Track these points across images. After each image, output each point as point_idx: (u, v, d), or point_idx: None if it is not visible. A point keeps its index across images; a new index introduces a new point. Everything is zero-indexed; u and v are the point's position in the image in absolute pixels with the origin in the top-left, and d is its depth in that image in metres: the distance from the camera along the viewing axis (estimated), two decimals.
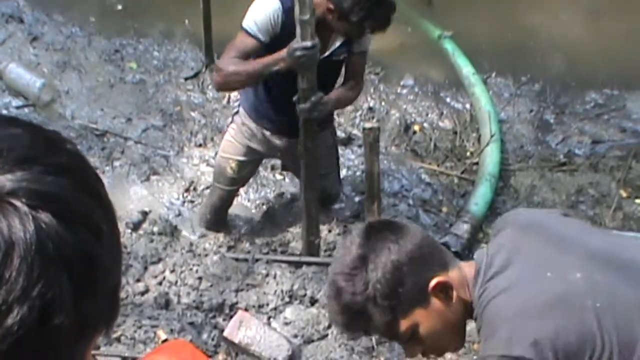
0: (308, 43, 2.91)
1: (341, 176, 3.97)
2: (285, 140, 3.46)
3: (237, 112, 3.56)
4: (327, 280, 1.88)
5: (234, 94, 4.68)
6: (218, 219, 3.86)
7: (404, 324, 1.76)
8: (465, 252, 3.85)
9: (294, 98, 3.12)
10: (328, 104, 3.20)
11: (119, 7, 5.63)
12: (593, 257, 1.86)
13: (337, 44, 3.22)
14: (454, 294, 1.80)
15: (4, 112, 4.65)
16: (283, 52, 2.97)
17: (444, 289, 1.78)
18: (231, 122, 3.60)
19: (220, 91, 3.39)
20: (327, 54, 3.19)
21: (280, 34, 3.06)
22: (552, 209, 3.86)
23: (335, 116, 3.80)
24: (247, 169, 3.66)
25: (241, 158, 3.57)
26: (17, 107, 4.70)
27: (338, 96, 3.31)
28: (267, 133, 3.47)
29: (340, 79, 3.49)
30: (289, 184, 4.21)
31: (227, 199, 3.81)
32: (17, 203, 0.63)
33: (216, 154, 4.32)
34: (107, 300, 0.72)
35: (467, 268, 1.86)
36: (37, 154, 0.67)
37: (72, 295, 0.65)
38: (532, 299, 1.75)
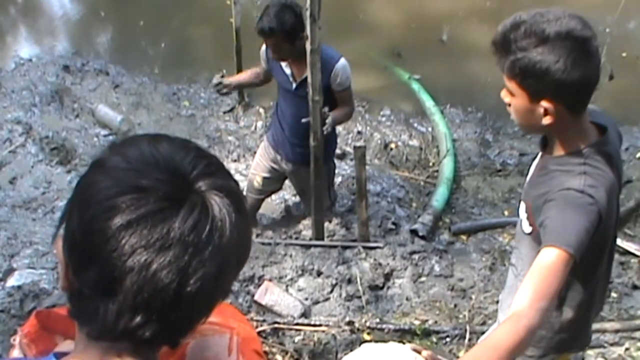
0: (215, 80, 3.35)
1: (335, 187, 3.89)
2: (291, 165, 3.42)
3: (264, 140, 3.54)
4: None
5: (260, 125, 4.65)
6: None
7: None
8: (430, 236, 3.82)
9: (303, 120, 3.07)
10: (329, 116, 3.06)
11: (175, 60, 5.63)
12: None
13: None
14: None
15: (95, 139, 4.63)
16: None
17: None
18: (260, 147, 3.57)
19: None
20: (302, 77, 3.07)
21: (268, 62, 3.24)
22: None
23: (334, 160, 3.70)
24: (269, 183, 3.59)
25: (264, 174, 3.52)
26: (105, 136, 4.67)
27: (336, 114, 3.13)
28: (279, 157, 3.42)
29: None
30: None
31: (256, 205, 3.74)
32: (220, 195, 0.74)
33: (247, 167, 4.30)
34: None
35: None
36: (220, 165, 0.79)
37: (236, 256, 0.76)
38: None
